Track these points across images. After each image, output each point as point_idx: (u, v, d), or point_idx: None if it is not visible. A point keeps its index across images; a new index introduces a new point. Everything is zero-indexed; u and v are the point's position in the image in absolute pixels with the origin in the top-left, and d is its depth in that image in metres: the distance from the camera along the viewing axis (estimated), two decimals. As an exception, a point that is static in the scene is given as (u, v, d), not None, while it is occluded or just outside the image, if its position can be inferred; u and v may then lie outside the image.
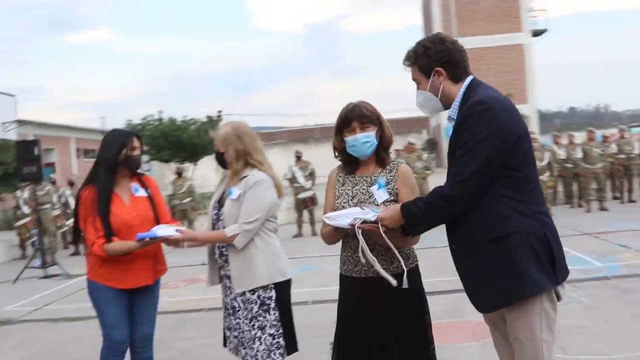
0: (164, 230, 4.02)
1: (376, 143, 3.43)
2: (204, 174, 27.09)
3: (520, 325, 2.92)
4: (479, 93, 2.99)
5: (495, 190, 2.90)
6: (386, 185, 3.40)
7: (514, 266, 2.85)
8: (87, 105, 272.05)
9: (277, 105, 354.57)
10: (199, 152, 25.64)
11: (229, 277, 3.93)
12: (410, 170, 3.52)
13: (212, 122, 26.42)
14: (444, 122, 31.86)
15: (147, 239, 4.00)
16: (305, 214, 15.70)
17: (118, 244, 4.10)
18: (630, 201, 16.65)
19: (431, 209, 2.99)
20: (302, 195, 15.43)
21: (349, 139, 3.41)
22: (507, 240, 2.86)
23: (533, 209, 2.93)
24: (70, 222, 15.18)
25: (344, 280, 3.54)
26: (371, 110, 3.44)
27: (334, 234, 3.43)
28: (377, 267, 3.18)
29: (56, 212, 15.67)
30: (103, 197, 4.17)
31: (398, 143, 31.88)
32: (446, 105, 3.12)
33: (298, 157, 16.10)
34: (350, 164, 3.52)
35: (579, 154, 16.18)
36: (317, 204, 15.66)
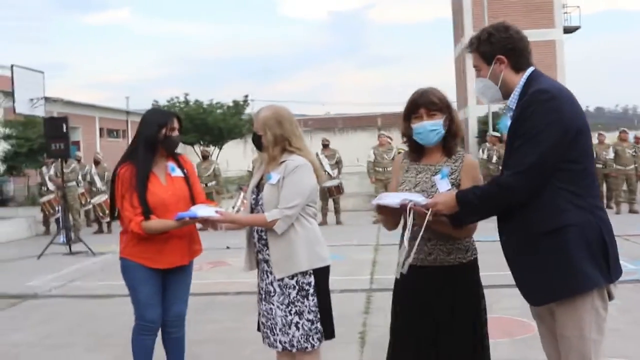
0: (203, 210, 3.96)
1: (443, 132, 3.35)
2: (229, 158, 27.16)
3: (569, 322, 2.84)
4: (541, 82, 2.92)
5: (552, 183, 2.82)
6: (449, 175, 3.33)
7: (567, 260, 2.78)
8: (110, 86, 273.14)
9: (299, 93, 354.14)
10: (225, 136, 25.62)
11: (266, 262, 3.87)
12: (476, 162, 3.47)
13: (239, 106, 26.38)
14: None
15: (187, 219, 3.95)
16: (331, 202, 15.63)
17: (156, 222, 4.08)
18: None
19: (488, 198, 2.92)
20: (328, 183, 15.31)
21: (416, 125, 3.35)
22: (562, 233, 2.79)
23: (590, 203, 2.85)
24: (96, 199, 15.43)
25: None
26: (440, 98, 3.36)
27: (389, 219, 3.41)
28: (405, 252, 3.18)
29: (81, 190, 15.75)
30: (141, 175, 4.14)
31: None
32: (505, 94, 3.06)
33: (325, 145, 16.04)
34: (416, 150, 3.47)
35: (610, 154, 15.92)
36: (342, 192, 15.59)
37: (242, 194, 13.65)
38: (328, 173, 15.35)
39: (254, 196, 3.96)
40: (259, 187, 3.96)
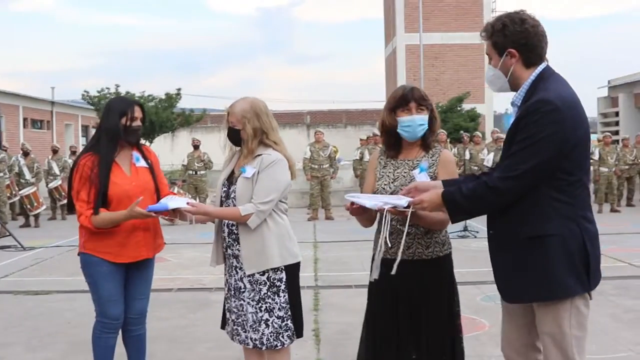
0: (175, 201, 3.86)
1: (427, 128, 3.46)
2: (160, 151, 26.63)
3: (549, 321, 2.90)
4: (548, 87, 2.89)
5: (543, 191, 2.86)
6: (427, 169, 3.42)
7: (547, 268, 2.84)
8: (34, 75, 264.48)
9: (226, 89, 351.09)
10: (156, 129, 25.13)
11: (236, 257, 3.80)
12: (453, 157, 3.55)
13: (171, 99, 25.91)
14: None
15: (154, 212, 3.84)
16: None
17: (105, 215, 3.93)
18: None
19: (476, 199, 2.93)
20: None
21: (405, 118, 3.43)
22: (545, 241, 2.84)
23: (577, 214, 2.89)
24: (24, 191, 14.91)
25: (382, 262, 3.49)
26: (426, 96, 3.48)
27: (364, 217, 3.44)
28: (382, 252, 3.28)
29: (6, 182, 15.16)
30: (104, 165, 3.99)
31: (355, 134, 31.98)
32: (513, 87, 3.04)
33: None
34: (394, 147, 3.54)
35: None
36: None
37: (176, 188, 13.52)
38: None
39: (224, 189, 3.88)
40: (229, 180, 3.88)
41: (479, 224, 13.53)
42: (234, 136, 3.85)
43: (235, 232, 3.78)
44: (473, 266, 8.57)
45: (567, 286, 2.84)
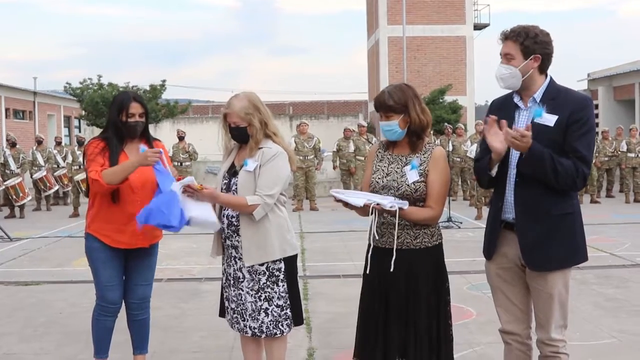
0: (185, 180, 3.85)
1: (399, 130, 3.58)
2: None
3: (559, 284, 3.44)
4: (568, 88, 3.47)
5: None
6: (419, 167, 3.55)
7: (572, 239, 3.43)
8: (14, 65, 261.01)
9: (207, 80, 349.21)
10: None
11: (235, 247, 3.90)
12: (444, 154, 3.66)
13: (156, 90, 25.84)
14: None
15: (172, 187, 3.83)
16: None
17: (114, 167, 4.06)
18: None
19: (563, 171, 3.25)
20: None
21: (380, 124, 3.64)
22: (572, 217, 3.42)
23: (577, 194, 3.55)
24: (9, 182, 14.85)
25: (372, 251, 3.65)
26: (396, 100, 3.56)
27: (358, 210, 3.56)
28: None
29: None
30: (113, 147, 4.17)
31: (338, 125, 32.00)
32: (523, 87, 3.42)
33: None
34: (390, 141, 3.69)
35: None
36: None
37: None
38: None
39: (225, 181, 3.96)
40: (230, 172, 3.96)
41: (462, 214, 13.74)
42: (241, 135, 3.90)
43: (235, 223, 3.87)
44: (458, 256, 8.73)
45: (583, 254, 3.48)
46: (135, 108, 4.19)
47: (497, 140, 3.32)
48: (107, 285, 4.26)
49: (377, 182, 3.60)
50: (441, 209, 3.58)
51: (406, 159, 3.60)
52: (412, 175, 3.53)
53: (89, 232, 4.28)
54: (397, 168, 3.59)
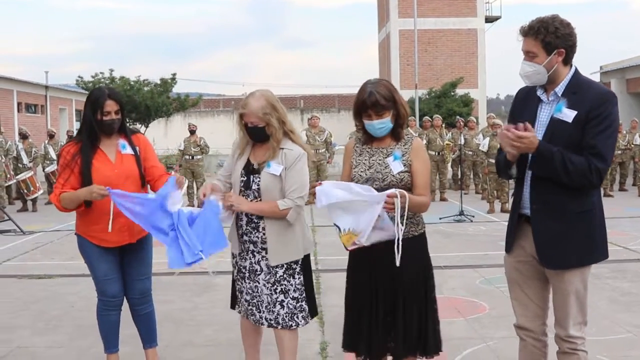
0: (174, 200, 4.01)
1: (391, 125, 3.62)
2: (155, 136, 26.64)
3: (577, 281, 3.38)
4: (591, 81, 3.39)
5: None
6: (402, 157, 3.60)
7: (591, 237, 3.34)
8: (28, 59, 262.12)
9: (217, 73, 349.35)
10: (152, 114, 25.15)
11: (253, 242, 3.93)
12: (423, 144, 3.76)
13: (167, 84, 25.89)
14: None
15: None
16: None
17: (66, 194, 4.08)
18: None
19: (575, 169, 3.18)
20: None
21: (366, 122, 3.62)
22: (591, 214, 3.34)
23: (598, 191, 3.42)
24: (21, 176, 14.90)
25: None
26: (386, 97, 3.57)
27: None
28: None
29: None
30: (85, 152, 4.13)
31: (349, 119, 32.12)
32: (549, 81, 3.34)
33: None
34: (368, 136, 3.70)
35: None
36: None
37: (173, 173, 13.42)
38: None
39: (243, 179, 3.95)
40: (246, 169, 3.95)
41: (475, 208, 13.68)
42: (259, 134, 3.88)
43: (255, 220, 3.89)
44: (471, 250, 8.70)
45: (605, 251, 3.41)
46: (110, 106, 4.14)
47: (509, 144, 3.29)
48: (104, 279, 4.26)
49: (360, 175, 3.63)
50: (430, 196, 3.67)
51: (387, 150, 3.64)
52: (396, 166, 3.59)
53: (78, 233, 4.31)
54: (380, 160, 3.63)
